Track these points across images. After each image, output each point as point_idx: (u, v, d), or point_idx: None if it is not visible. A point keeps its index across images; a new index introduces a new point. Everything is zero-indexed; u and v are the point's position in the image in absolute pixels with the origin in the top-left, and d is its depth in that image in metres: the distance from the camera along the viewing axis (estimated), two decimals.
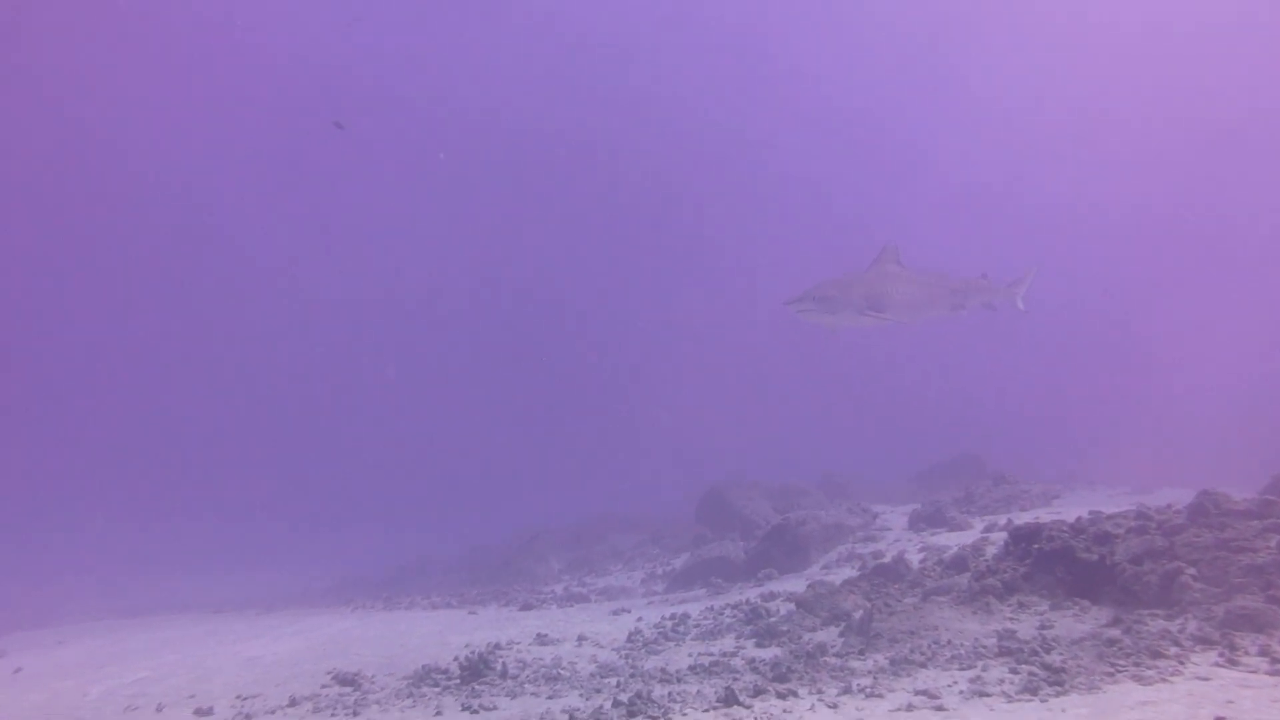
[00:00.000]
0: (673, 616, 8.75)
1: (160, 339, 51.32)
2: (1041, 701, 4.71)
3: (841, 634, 6.99)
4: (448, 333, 52.83)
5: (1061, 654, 5.53)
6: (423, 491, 35.53)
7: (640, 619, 8.94)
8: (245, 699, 7.04)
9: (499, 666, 7.12)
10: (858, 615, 7.23)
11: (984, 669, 5.47)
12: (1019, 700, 4.80)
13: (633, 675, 6.62)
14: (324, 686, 7.23)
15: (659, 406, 41.43)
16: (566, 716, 5.47)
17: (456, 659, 7.42)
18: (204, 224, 53.97)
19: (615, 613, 9.67)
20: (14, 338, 48.03)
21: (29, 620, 14.77)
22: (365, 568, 20.19)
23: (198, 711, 6.72)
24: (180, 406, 46.59)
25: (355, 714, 6.21)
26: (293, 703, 6.68)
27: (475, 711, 5.90)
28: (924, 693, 5.13)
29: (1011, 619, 6.57)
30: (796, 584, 9.63)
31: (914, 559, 9.24)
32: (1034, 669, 5.25)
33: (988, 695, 4.94)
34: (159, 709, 7.05)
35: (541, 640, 8.34)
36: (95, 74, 47.41)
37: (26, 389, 47.12)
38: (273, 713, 6.50)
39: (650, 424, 42.43)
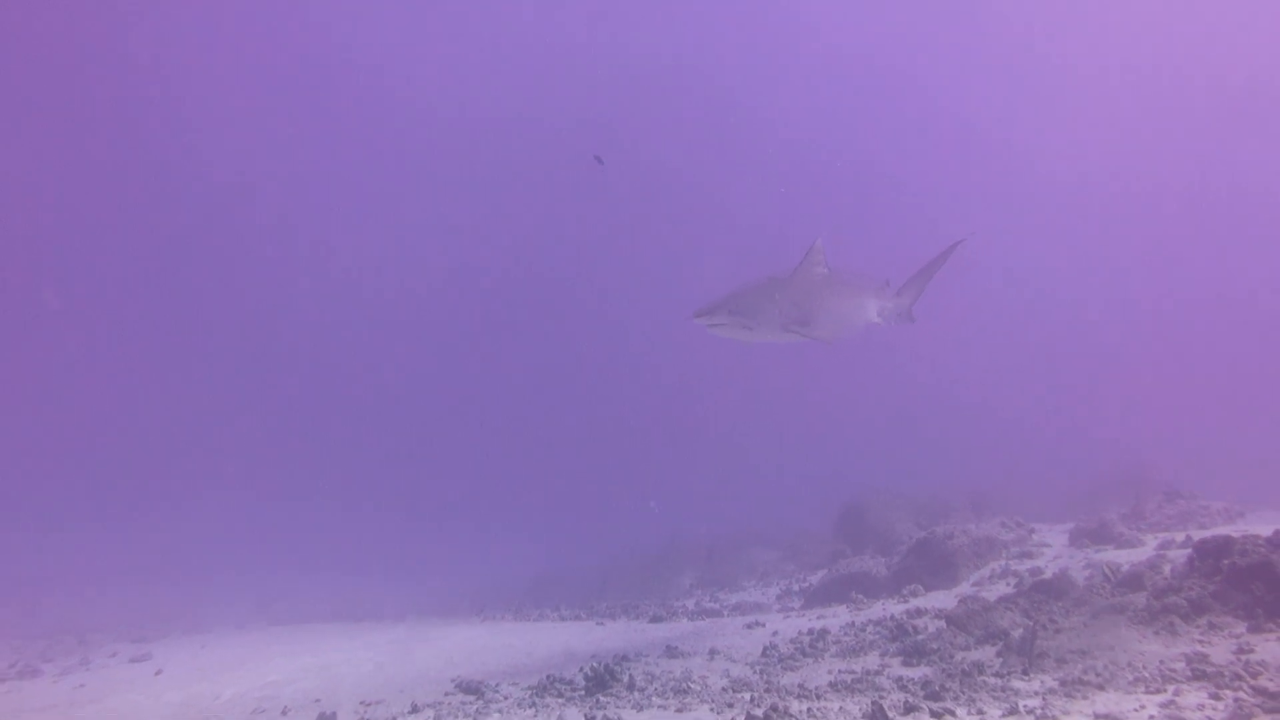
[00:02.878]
0: (810, 632, 8.17)
1: (290, 337, 53.41)
2: None
3: (999, 653, 6.27)
4: (564, 342, 53.17)
5: (1272, 679, 4.71)
6: (558, 505, 35.76)
7: (776, 634, 8.39)
8: (369, 705, 6.91)
9: (625, 678, 6.74)
10: (1017, 634, 6.49)
11: (1176, 694, 4.71)
12: None
13: (768, 690, 6.11)
14: (447, 694, 7.02)
15: (784, 421, 40.56)
16: None
17: (582, 669, 7.08)
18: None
19: (749, 626, 9.14)
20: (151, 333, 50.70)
21: (186, 626, 15.37)
22: (501, 578, 20.28)
23: (322, 716, 6.61)
24: (329, 415, 48.37)
25: None
26: (414, 709, 6.49)
27: None
28: (1107, 717, 4.43)
29: (1202, 641, 5.72)
30: (945, 601, 8.87)
31: (1078, 576, 8.35)
32: (1243, 695, 4.46)
33: None
34: (284, 712, 6.99)
35: (671, 653, 7.91)
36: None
37: (165, 393, 49.46)
38: (395, 719, 6.31)
39: (777, 438, 41.57)
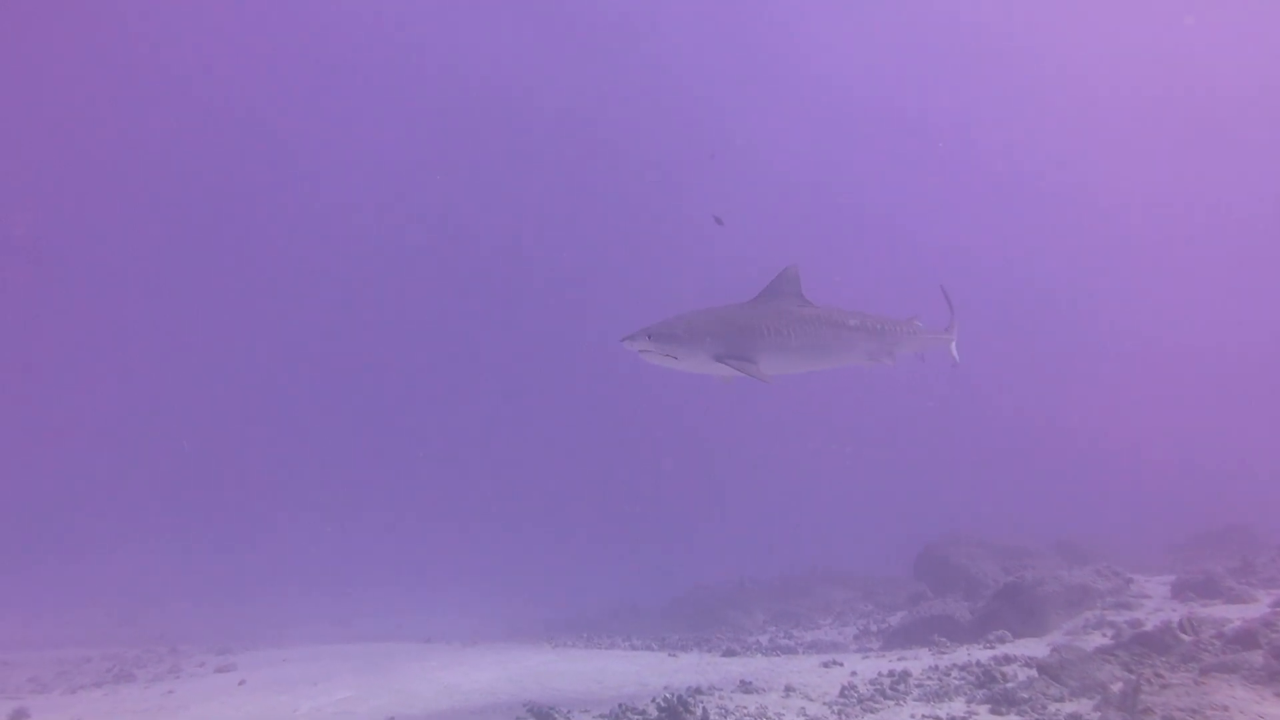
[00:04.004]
0: (891, 674, 7.89)
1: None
2: None
3: (1097, 707, 5.93)
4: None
5: None
6: (631, 536, 35.64)
7: (854, 674, 8.13)
8: None
9: (699, 711, 6.59)
10: (1117, 687, 6.13)
11: None
12: None
13: None
14: (518, 718, 6.97)
15: (851, 456, 39.74)
16: None
17: (654, 700, 6.96)
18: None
19: (826, 665, 8.88)
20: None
21: (269, 640, 15.71)
22: (571, 610, 20.23)
23: None
24: (407, 440, 49.19)
25: None
26: None
27: None
28: None
29: None
30: (1035, 649, 8.48)
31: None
32: None
33: None
34: None
35: (745, 688, 7.72)
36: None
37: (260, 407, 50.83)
38: None
39: (845, 474, 40.78)
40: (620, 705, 6.94)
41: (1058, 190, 57.07)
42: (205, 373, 50.38)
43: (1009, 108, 57.47)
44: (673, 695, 6.92)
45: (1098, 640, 8.31)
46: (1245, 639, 6.81)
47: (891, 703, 6.92)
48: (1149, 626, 8.00)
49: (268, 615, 20.65)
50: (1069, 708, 6.02)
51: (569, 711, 7.12)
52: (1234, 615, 8.24)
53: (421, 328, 55.64)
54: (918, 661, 8.58)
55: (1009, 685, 6.76)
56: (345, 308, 55.14)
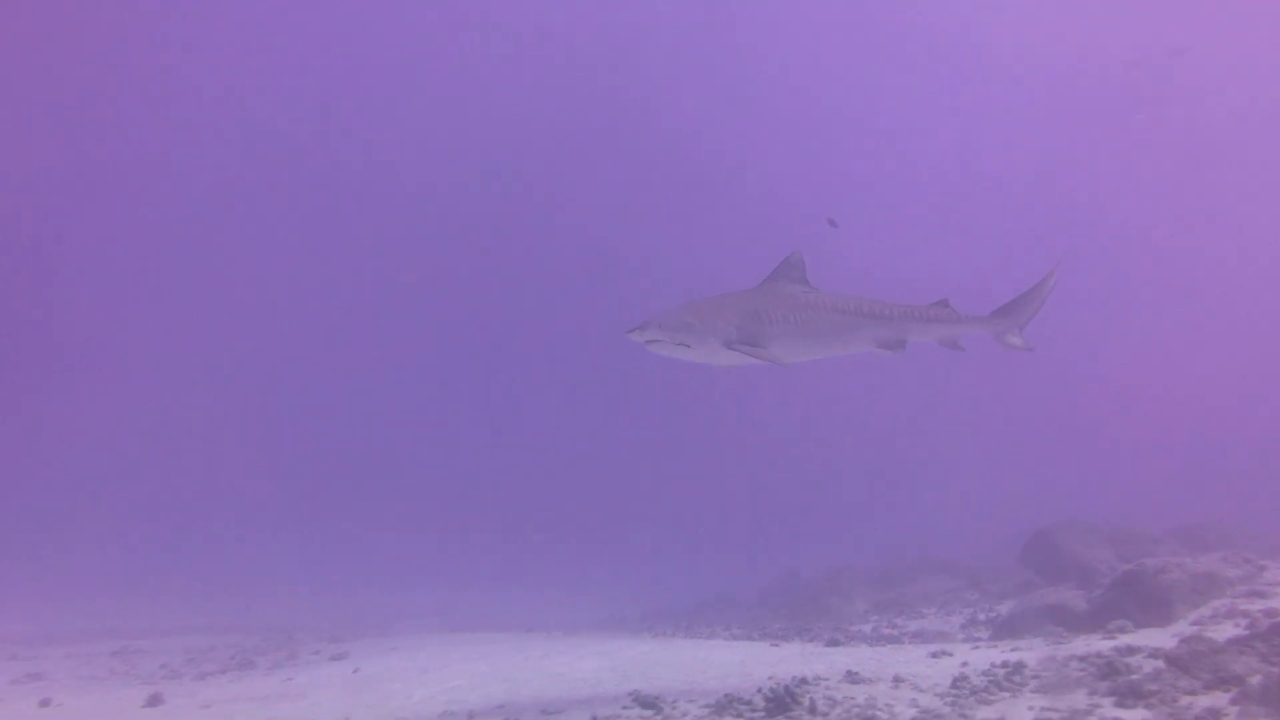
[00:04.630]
0: (1004, 664, 7.64)
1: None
2: None
3: (1235, 700, 5.63)
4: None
5: None
6: (724, 524, 35.59)
7: (965, 664, 7.91)
8: (549, 714, 7.00)
9: (806, 702, 6.51)
10: (1255, 680, 5.81)
11: None
12: None
13: None
14: (625, 707, 7.01)
15: (948, 440, 38.71)
16: None
17: (760, 690, 6.91)
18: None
19: (934, 655, 8.67)
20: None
21: (376, 630, 16.22)
22: (666, 599, 20.33)
23: None
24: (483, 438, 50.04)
25: None
26: None
27: None
28: None
29: None
30: (1160, 639, 8.10)
31: None
32: None
33: None
34: (470, 715, 7.19)
35: (852, 679, 7.60)
36: None
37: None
38: None
39: (942, 459, 39.77)
40: (726, 695, 6.91)
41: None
42: (318, 376, 52.28)
43: None
44: (779, 685, 6.85)
45: (1230, 631, 7.90)
46: None
47: (1007, 694, 6.71)
48: None
49: (374, 608, 21.37)
50: (1203, 701, 5.74)
51: (674, 701, 7.13)
52: None
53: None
54: (1032, 652, 8.31)
55: (1134, 677, 6.48)
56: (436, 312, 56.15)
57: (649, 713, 6.80)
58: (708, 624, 14.19)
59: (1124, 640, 8.41)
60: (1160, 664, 6.76)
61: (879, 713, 6.30)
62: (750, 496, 41.47)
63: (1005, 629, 10.51)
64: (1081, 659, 7.54)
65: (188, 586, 24.00)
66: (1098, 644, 8.34)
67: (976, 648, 9.23)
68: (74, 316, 50.83)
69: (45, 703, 8.86)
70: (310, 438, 48.32)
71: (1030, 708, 6.15)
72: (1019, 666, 7.49)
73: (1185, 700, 5.82)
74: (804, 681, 7.45)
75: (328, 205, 56.30)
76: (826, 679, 7.64)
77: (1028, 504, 23.54)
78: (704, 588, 20.79)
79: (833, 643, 10.28)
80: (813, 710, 6.38)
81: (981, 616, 12.27)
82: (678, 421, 47.33)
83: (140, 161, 52.32)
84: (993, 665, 7.68)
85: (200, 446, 43.90)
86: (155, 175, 52.48)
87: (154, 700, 8.71)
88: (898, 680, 7.49)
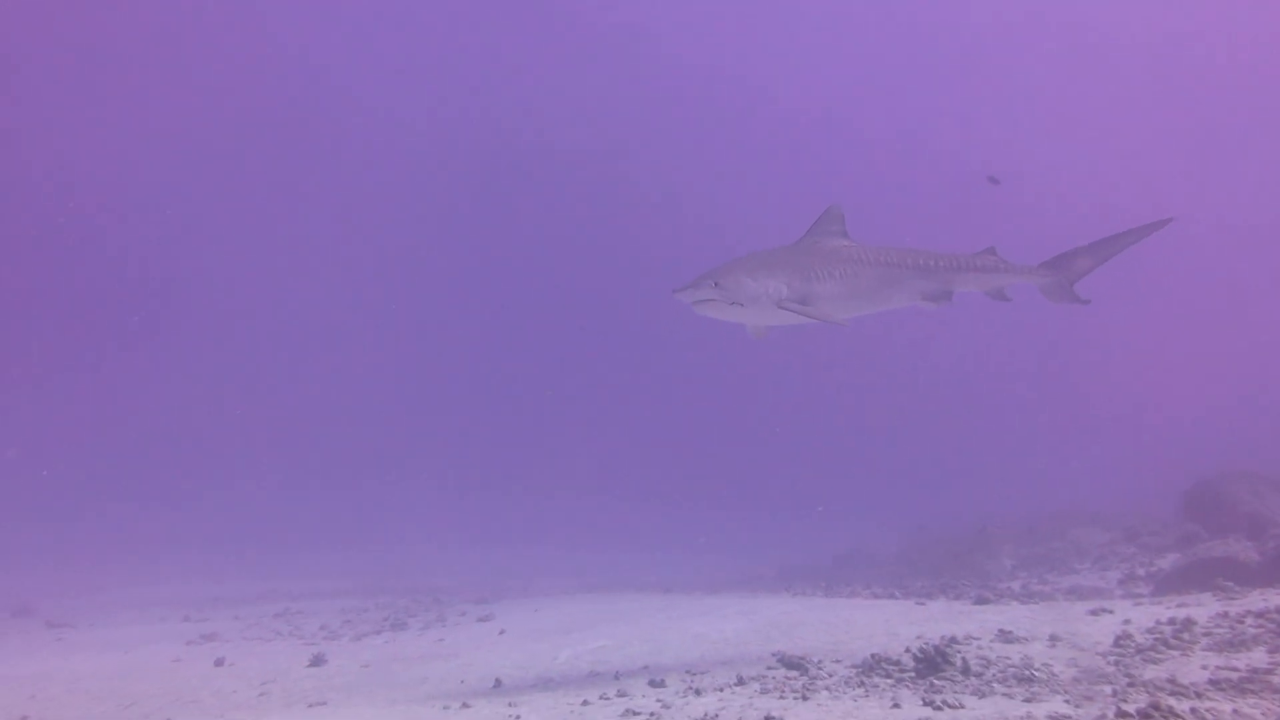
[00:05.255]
0: (1171, 621, 7.22)
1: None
2: None
3: None
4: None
5: None
6: (853, 478, 35.07)
7: (1128, 622, 7.51)
8: (694, 674, 7.03)
9: (958, 662, 6.31)
10: None
11: None
12: None
13: (1130, 684, 5.45)
14: (769, 668, 6.98)
15: (1093, 389, 36.78)
16: None
17: (909, 650, 6.75)
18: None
19: (1093, 612, 8.27)
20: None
21: (517, 590, 16.73)
22: (803, 555, 20.18)
23: (651, 683, 6.81)
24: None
25: (804, 698, 5.83)
26: (740, 682, 6.50)
27: (939, 708, 5.19)
28: None
29: None
30: None
31: None
32: None
33: None
34: (616, 676, 7.30)
35: (1005, 638, 7.33)
36: None
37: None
38: (720, 690, 6.36)
39: (1088, 409, 37.89)
40: (873, 655, 6.78)
41: None
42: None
43: None
44: (928, 644, 6.67)
45: None
46: None
47: (1176, 653, 6.33)
48: None
49: (510, 566, 22.10)
50: None
51: (820, 661, 7.05)
52: None
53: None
54: (1201, 608, 7.81)
55: None
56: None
57: (794, 673, 6.75)
58: (847, 582, 13.98)
59: None
60: None
61: (1036, 672, 6.05)
62: (879, 451, 40.71)
63: (1169, 584, 9.92)
64: (1259, 615, 7.06)
65: (334, 542, 25.49)
66: (1275, 598, 7.77)
67: (1139, 604, 8.75)
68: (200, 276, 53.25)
69: (219, 662, 9.51)
70: (441, 400, 49.82)
71: (1204, 667, 5.78)
72: (1188, 623, 7.06)
73: None
74: (954, 641, 7.24)
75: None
76: (978, 638, 7.40)
77: (1183, 453, 22.22)
78: (837, 544, 20.54)
79: (981, 600, 9.95)
80: (965, 670, 6.19)
81: (1141, 571, 11.64)
82: (807, 376, 46.78)
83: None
84: (1158, 622, 7.27)
85: (356, 411, 45.76)
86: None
87: (317, 660, 9.21)
88: (1054, 639, 7.19)
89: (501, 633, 10.41)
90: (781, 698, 5.90)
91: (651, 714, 5.63)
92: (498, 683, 7.44)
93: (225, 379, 47.53)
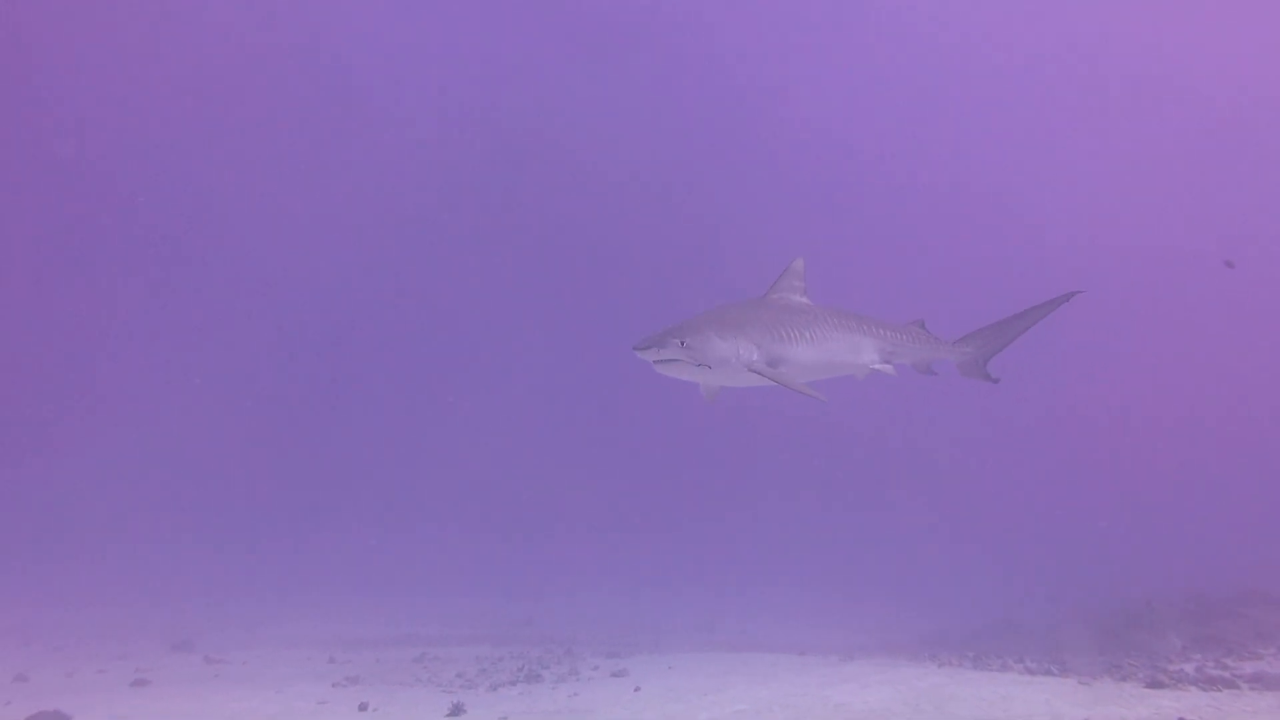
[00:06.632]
0: None
1: None
2: None
3: None
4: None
5: None
6: (994, 540, 33.39)
7: None
8: None
9: None
10: None
11: None
12: None
13: None
14: None
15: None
16: None
17: None
18: None
19: None
20: None
21: (649, 645, 16.55)
22: (943, 620, 19.24)
23: None
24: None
25: None
26: None
27: None
28: None
29: None
30: None
31: None
32: None
33: None
34: None
35: None
36: None
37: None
38: None
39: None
40: None
41: None
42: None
43: None
44: None
45: None
46: None
47: None
48: None
49: (643, 618, 21.93)
50: None
51: None
52: None
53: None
54: None
55: None
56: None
57: None
58: (996, 654, 13.18)
59: None
60: None
61: None
62: (1019, 509, 38.75)
63: None
64: None
65: (465, 588, 25.98)
66: None
67: None
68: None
69: (363, 708, 9.71)
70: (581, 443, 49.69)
71: None
72: None
73: None
74: None
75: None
76: None
77: None
78: (978, 611, 19.52)
79: (1154, 684, 9.17)
80: None
81: None
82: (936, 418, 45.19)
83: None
84: None
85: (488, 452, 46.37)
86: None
87: (456, 710, 9.29)
88: None
89: (637, 690, 10.26)
90: None
91: None
92: None
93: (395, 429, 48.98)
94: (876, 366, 8.98)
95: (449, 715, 9.16)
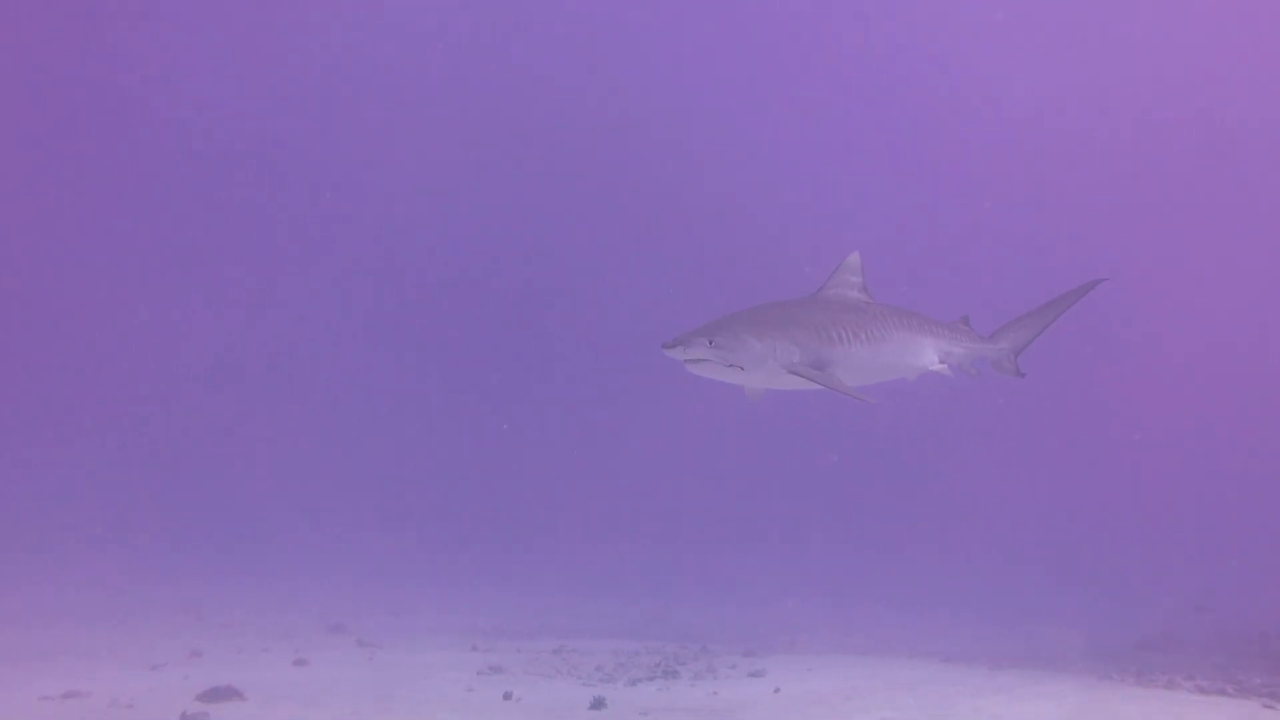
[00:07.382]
0: None
1: None
2: None
3: None
4: None
5: None
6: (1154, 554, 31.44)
7: None
8: None
9: None
10: None
11: None
12: None
13: None
14: None
15: None
16: None
17: None
18: None
19: None
20: None
21: (784, 645, 16.36)
22: (1095, 631, 18.27)
23: None
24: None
25: None
26: None
27: None
28: None
29: None
30: None
31: None
32: None
33: None
34: None
35: None
36: None
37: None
38: None
39: None
40: None
41: None
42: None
43: None
44: None
45: None
46: None
47: None
48: None
49: (773, 618, 21.68)
50: None
51: None
52: None
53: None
54: None
55: None
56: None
57: None
58: (1162, 669, 12.41)
59: None
60: None
61: None
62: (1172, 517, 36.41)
63: None
64: None
65: (600, 589, 26.29)
66: None
67: None
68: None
69: (508, 696, 9.97)
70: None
71: None
72: None
73: None
74: None
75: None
76: None
77: None
78: (1137, 623, 18.42)
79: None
80: None
81: None
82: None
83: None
84: None
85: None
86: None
87: (597, 703, 9.41)
88: None
89: (776, 691, 10.15)
90: None
91: None
92: None
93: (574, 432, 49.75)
94: (934, 368, 8.59)
95: (591, 708, 9.29)
